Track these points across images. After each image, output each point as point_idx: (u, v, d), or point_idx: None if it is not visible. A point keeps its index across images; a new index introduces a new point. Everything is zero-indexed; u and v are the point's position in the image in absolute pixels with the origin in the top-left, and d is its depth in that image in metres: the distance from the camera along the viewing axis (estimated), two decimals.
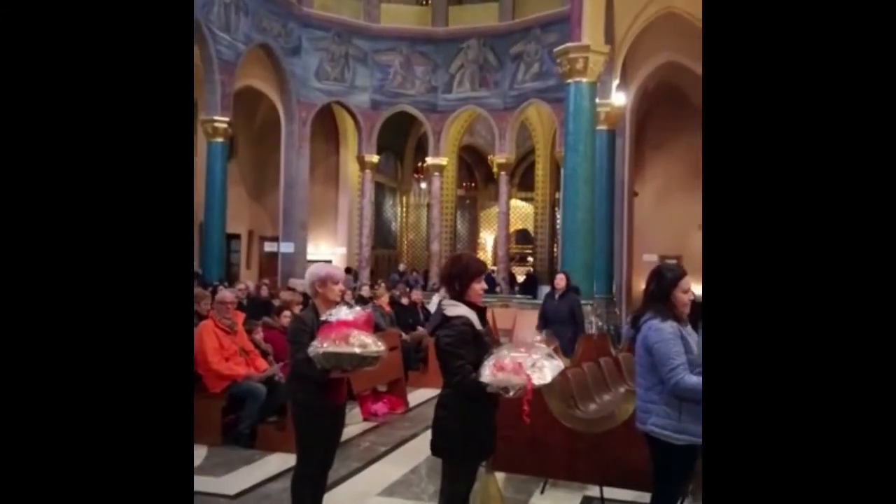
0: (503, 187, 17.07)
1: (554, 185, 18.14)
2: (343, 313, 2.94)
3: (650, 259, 16.50)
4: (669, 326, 3.10)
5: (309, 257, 16.70)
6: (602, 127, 11.24)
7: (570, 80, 9.35)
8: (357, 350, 2.81)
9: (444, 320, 3.06)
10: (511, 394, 2.92)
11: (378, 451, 5.69)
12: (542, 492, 4.50)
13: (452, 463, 3.11)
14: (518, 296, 14.96)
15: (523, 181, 20.90)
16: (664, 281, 3.23)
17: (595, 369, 5.75)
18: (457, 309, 3.05)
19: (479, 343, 3.06)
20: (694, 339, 3.22)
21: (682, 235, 16.02)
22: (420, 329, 9.10)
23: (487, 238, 22.19)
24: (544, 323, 7.55)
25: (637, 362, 3.28)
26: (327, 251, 18.68)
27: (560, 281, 7.80)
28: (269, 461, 5.23)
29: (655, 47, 12.86)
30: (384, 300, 9.07)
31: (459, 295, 3.09)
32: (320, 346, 2.79)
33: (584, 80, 9.23)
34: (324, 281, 3.35)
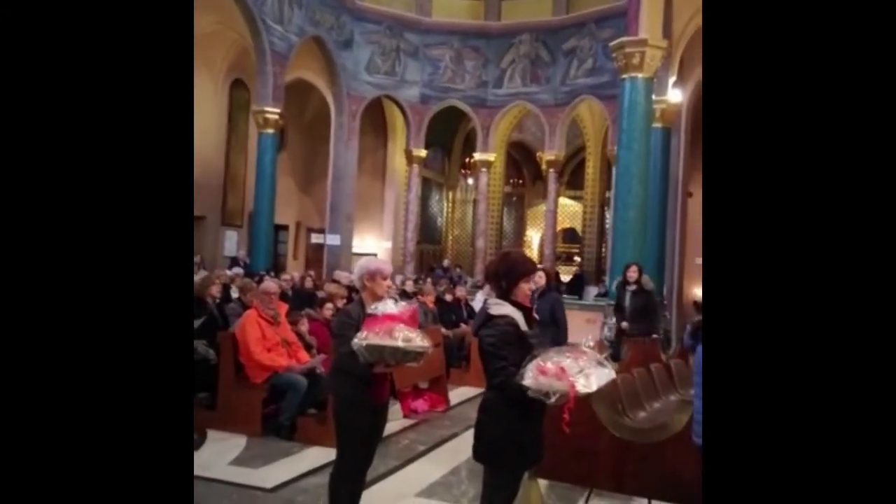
0: (552, 185, 16.80)
1: (604, 184, 17.78)
2: (389, 307, 2.84)
3: (699, 263, 16.08)
4: None
5: (354, 250, 16.75)
6: (657, 124, 10.89)
7: (625, 76, 9.07)
8: (401, 344, 2.70)
9: (488, 319, 2.92)
10: (553, 400, 2.77)
11: (417, 449, 5.59)
12: (586, 501, 4.32)
13: (495, 470, 2.97)
14: (564, 296, 14.68)
15: (572, 179, 20.56)
16: None
17: (645, 376, 5.53)
18: (502, 308, 2.91)
19: (524, 344, 2.92)
20: None
21: None
22: (463, 326, 8.98)
23: (534, 236, 21.92)
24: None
25: (696, 372, 3.08)
26: (373, 244, 18.72)
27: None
28: (308, 454, 5.18)
29: None
30: (429, 297, 8.96)
31: (506, 294, 2.96)
32: (364, 339, 2.70)
33: (640, 75, 8.94)
34: (373, 275, 3.28)
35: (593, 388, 2.70)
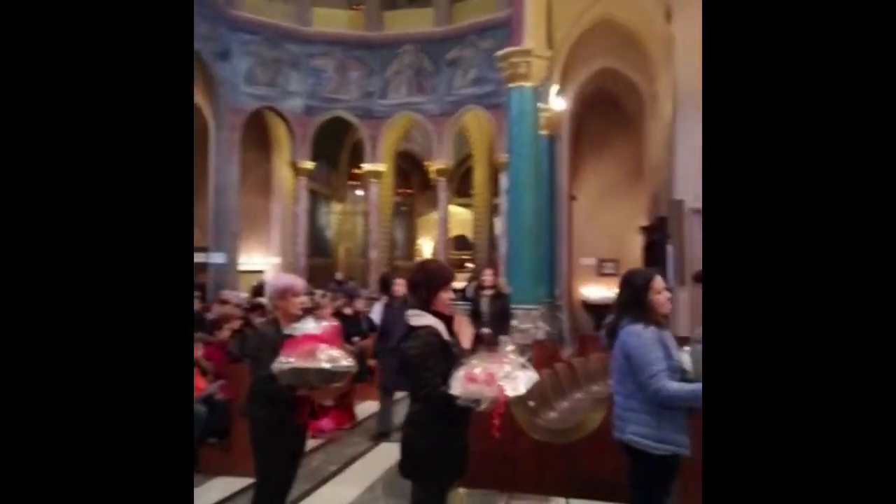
0: (441, 193, 16.94)
1: (492, 191, 18.12)
2: (309, 327, 2.68)
3: (588, 263, 16.69)
4: (650, 332, 2.98)
5: (241, 268, 16.09)
6: (542, 132, 11.22)
7: (512, 85, 9.28)
8: (326, 365, 2.55)
9: (410, 330, 2.85)
10: (483, 406, 2.74)
11: (328, 469, 5.38)
12: None
13: (424, 485, 2.89)
14: (459, 302, 14.80)
15: (460, 187, 20.83)
16: (634, 286, 3.11)
17: (552, 376, 5.63)
18: (423, 318, 2.85)
19: (448, 354, 2.86)
20: (673, 343, 3.10)
21: (619, 239, 16.26)
22: (364, 339, 8.80)
23: (425, 245, 22.01)
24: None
25: (614, 369, 3.14)
26: (261, 261, 18.07)
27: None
28: (214, 485, 4.87)
29: (592, 53, 13.00)
30: (327, 311, 8.70)
31: (426, 304, 2.89)
32: (286, 362, 2.52)
33: (527, 84, 9.17)
34: (283, 293, 3.08)
35: (521, 390, 2.69)
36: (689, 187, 9.47)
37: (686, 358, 3.02)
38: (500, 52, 9.44)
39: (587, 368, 6.38)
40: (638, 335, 2.97)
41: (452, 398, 2.67)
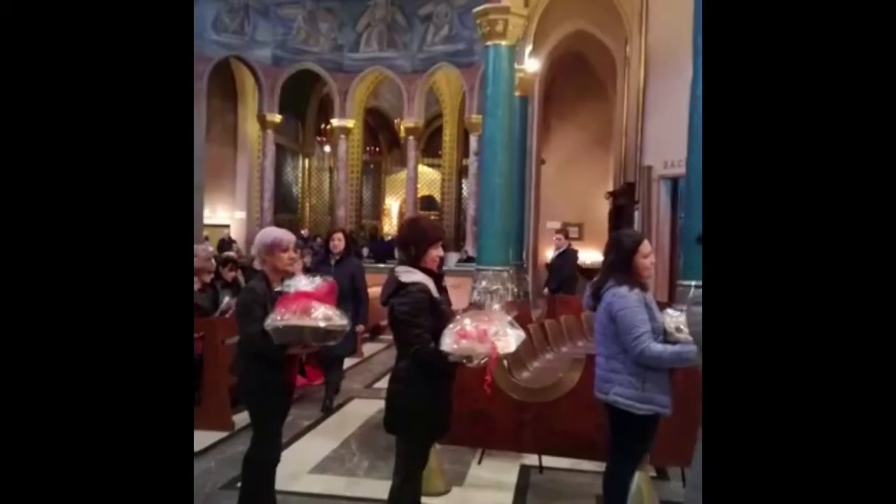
0: (411, 152, 16.80)
1: (461, 152, 18.04)
2: (303, 283, 2.64)
3: (553, 226, 16.82)
4: (635, 294, 3.03)
5: (205, 221, 15.79)
6: (516, 93, 11.15)
7: (489, 43, 9.15)
8: (322, 324, 2.53)
9: (399, 287, 2.85)
10: (475, 363, 2.77)
11: (302, 425, 5.41)
12: (479, 462, 4.41)
13: (410, 439, 2.93)
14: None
15: (428, 147, 20.68)
16: (623, 248, 3.15)
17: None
18: (413, 275, 2.85)
19: (437, 311, 2.88)
20: (656, 306, 3.17)
21: (584, 203, 16.40)
22: None
23: (393, 204, 21.89)
24: None
25: (598, 331, 3.20)
26: (225, 215, 17.77)
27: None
28: None
29: (566, 14, 12.89)
30: (298, 267, 8.63)
31: (415, 261, 2.90)
32: (280, 319, 2.49)
33: (504, 43, 9.05)
34: (270, 248, 3.03)
35: (512, 347, 2.73)
36: (658, 153, 9.58)
37: (668, 320, 3.10)
38: (477, 9, 9.27)
39: (557, 330, 6.49)
40: (623, 297, 3.02)
41: (443, 355, 2.70)
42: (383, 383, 7.14)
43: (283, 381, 3.00)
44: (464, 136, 17.36)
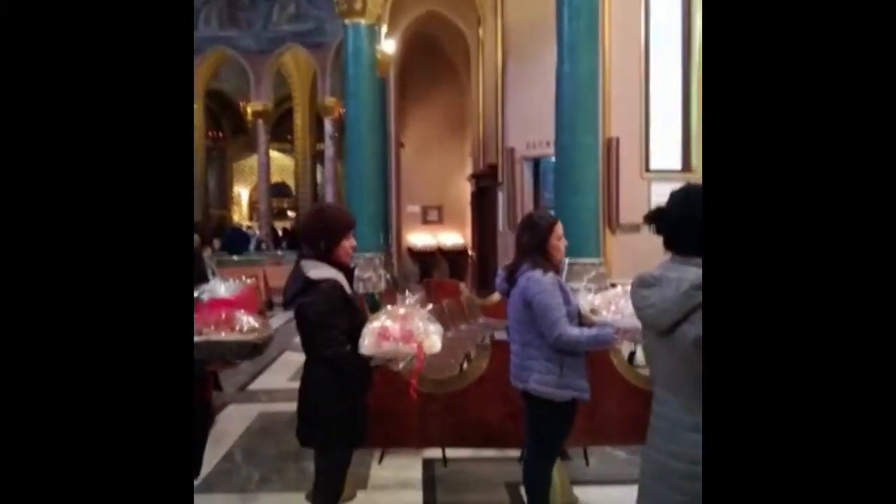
0: (261, 137, 15.97)
1: (315, 136, 17.43)
2: (221, 290, 2.25)
3: (413, 210, 16.77)
4: (549, 277, 2.95)
5: None
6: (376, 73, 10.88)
7: (347, 21, 8.82)
8: (250, 337, 2.16)
9: (307, 284, 2.56)
10: (401, 366, 2.56)
11: None
12: (380, 462, 4.19)
13: (328, 451, 2.66)
14: (287, 252, 14.18)
15: (276, 131, 19.81)
16: (539, 230, 3.06)
17: None
18: (322, 271, 2.58)
19: (351, 309, 2.63)
20: (569, 288, 3.11)
21: (444, 186, 16.50)
22: None
23: (242, 192, 20.79)
24: None
25: (512, 317, 3.08)
26: None
27: None
28: None
29: None
30: None
31: (324, 254, 2.61)
32: (197, 333, 2.09)
33: (363, 21, 8.76)
34: None
35: (438, 347, 2.54)
36: (520, 135, 9.73)
37: (582, 303, 3.05)
38: None
39: (441, 315, 6.38)
40: (538, 281, 2.93)
41: (363, 358, 2.46)
42: (260, 384, 6.79)
43: (202, 399, 2.60)
44: (316, 119, 16.75)
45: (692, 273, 1.77)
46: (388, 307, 2.63)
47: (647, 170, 9.06)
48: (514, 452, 3.95)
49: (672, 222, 1.87)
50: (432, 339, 2.51)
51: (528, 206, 9.72)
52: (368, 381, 2.69)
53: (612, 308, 3.10)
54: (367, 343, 2.44)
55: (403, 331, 2.44)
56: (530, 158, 9.70)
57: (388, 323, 2.48)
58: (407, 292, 2.87)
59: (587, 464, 4.13)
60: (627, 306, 3.20)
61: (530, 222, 3.12)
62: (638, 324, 3.04)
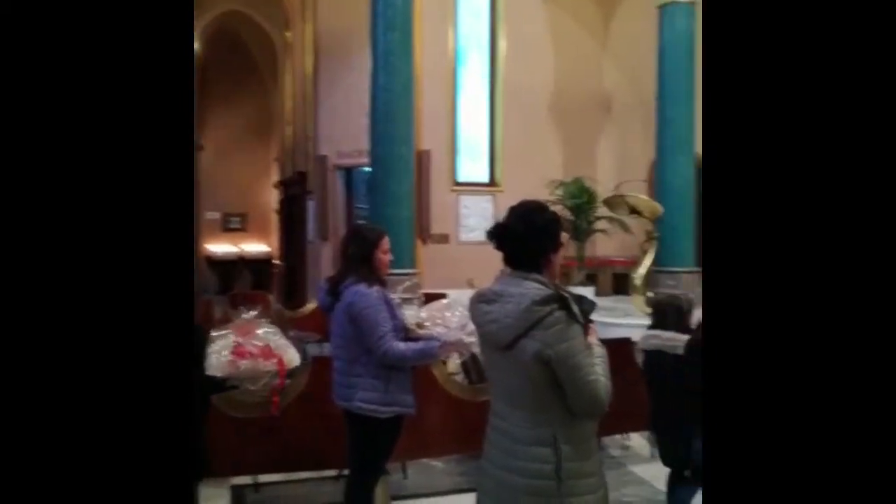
0: None
1: None
2: None
3: (213, 217, 15.82)
4: (375, 291, 2.87)
5: None
6: None
7: None
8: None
9: None
10: (260, 385, 2.33)
11: None
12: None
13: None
14: None
15: None
16: (366, 242, 2.98)
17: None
18: None
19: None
20: (395, 302, 3.05)
21: (248, 193, 15.80)
22: None
23: None
24: None
25: (336, 333, 2.95)
26: None
27: None
28: None
29: None
30: None
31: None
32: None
33: None
34: None
35: (297, 359, 2.36)
36: (332, 143, 9.56)
37: (408, 316, 3.02)
38: None
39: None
40: (364, 296, 2.84)
41: (218, 381, 2.21)
42: None
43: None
44: None
45: (533, 288, 1.80)
46: (230, 323, 2.40)
47: (456, 183, 9.40)
48: (330, 472, 3.81)
49: (512, 238, 1.89)
50: (290, 352, 2.33)
51: (340, 216, 9.58)
52: (206, 409, 2.43)
53: (438, 321, 3.11)
54: (218, 364, 2.19)
55: (262, 346, 2.23)
56: (343, 167, 9.59)
57: (241, 339, 2.26)
58: (243, 308, 2.64)
59: (405, 477, 4.10)
60: (452, 319, 3.24)
61: (358, 233, 3.03)
62: (463, 337, 3.12)
